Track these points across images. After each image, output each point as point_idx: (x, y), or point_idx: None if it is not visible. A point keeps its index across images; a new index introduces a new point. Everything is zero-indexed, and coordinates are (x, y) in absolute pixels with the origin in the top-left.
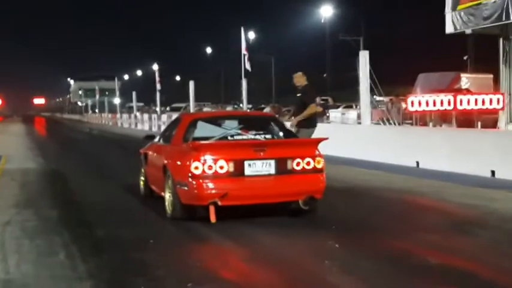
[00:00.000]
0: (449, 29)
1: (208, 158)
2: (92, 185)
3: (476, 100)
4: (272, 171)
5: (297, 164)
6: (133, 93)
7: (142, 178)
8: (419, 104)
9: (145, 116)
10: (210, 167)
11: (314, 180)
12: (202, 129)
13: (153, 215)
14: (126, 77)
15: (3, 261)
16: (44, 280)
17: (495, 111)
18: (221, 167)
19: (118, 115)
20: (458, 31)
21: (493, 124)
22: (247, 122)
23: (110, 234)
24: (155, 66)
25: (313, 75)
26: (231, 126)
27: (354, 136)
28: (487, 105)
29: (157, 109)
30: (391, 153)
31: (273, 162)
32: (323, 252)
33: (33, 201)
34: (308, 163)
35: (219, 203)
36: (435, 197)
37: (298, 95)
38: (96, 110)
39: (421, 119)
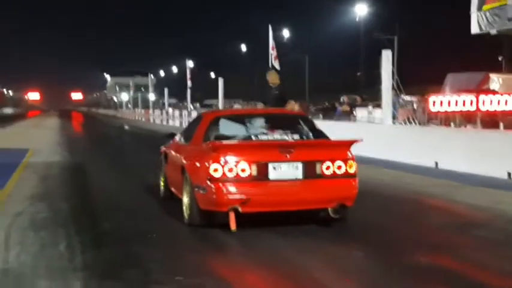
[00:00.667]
0: (474, 29)
1: (229, 159)
2: (112, 181)
3: (499, 101)
4: (299, 175)
5: (327, 168)
6: (166, 90)
7: (162, 179)
8: (441, 104)
9: (177, 112)
10: (230, 170)
11: (345, 186)
12: (225, 128)
13: (167, 215)
14: (161, 73)
15: (6, 251)
16: (40, 270)
17: None
18: (243, 170)
19: (150, 111)
20: (483, 31)
21: None
22: (274, 121)
23: (114, 228)
24: (188, 63)
25: (347, 73)
26: (256, 125)
27: (375, 136)
28: (510, 106)
29: (188, 105)
30: (410, 153)
31: (300, 165)
32: (345, 266)
33: (50, 193)
34: (339, 167)
35: (240, 210)
36: (446, 198)
37: (276, 92)
38: (130, 106)
39: (447, 120)
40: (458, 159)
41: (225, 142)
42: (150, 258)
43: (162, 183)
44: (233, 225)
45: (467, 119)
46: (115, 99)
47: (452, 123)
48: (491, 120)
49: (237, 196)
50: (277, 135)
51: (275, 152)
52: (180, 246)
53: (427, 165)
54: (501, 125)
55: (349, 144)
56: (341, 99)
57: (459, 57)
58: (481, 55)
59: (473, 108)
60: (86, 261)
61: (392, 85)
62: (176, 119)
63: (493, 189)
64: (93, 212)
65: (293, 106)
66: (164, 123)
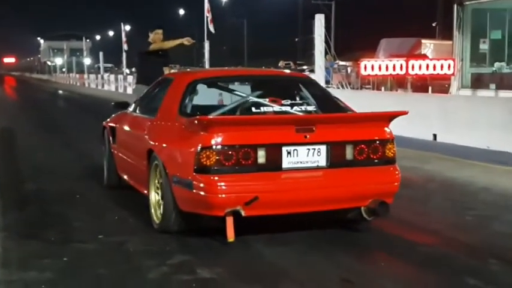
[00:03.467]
0: None
1: (227, 141)
2: (39, 144)
3: (428, 65)
4: (322, 162)
5: (360, 152)
6: (101, 54)
7: (105, 162)
8: (372, 68)
9: (112, 77)
10: (229, 156)
11: (384, 176)
12: (208, 96)
13: (92, 177)
14: (97, 37)
15: None
16: None
17: (447, 77)
18: (246, 157)
19: (85, 76)
20: None
21: (448, 90)
22: (272, 86)
23: (38, 189)
24: (124, 27)
25: (287, 39)
26: (250, 93)
27: None
28: (438, 71)
29: (124, 70)
30: None
31: (323, 148)
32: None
33: None
34: (376, 150)
35: (243, 213)
36: None
37: (160, 53)
38: (64, 70)
39: (381, 84)
40: None
41: (218, 117)
42: (73, 218)
43: (105, 168)
44: (231, 234)
45: (398, 83)
46: (49, 63)
47: (383, 88)
48: (421, 85)
49: (239, 194)
50: (285, 107)
51: (290, 131)
52: (104, 206)
53: None
54: (430, 88)
55: (388, 117)
56: (279, 64)
57: (395, 23)
58: (416, 22)
59: (403, 72)
60: (7, 223)
61: (326, 50)
62: (112, 83)
63: (419, 151)
64: (18, 174)
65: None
66: (99, 87)
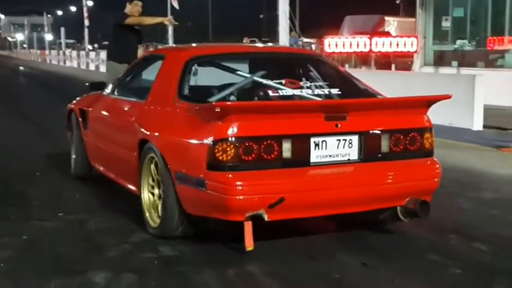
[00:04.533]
0: None
1: (247, 132)
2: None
3: (391, 43)
4: (354, 155)
5: (396, 142)
6: (62, 30)
7: (73, 150)
8: (336, 45)
9: (74, 53)
10: (249, 150)
11: (423, 171)
12: (211, 77)
13: (54, 155)
14: (59, 12)
15: None
16: None
17: (410, 54)
18: (270, 150)
19: (47, 52)
20: None
21: (411, 67)
22: (284, 66)
23: None
24: (85, 2)
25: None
26: (261, 74)
27: None
28: (401, 48)
29: (86, 46)
30: None
31: (355, 139)
32: None
33: None
34: (413, 139)
35: (266, 217)
36: None
37: (137, 28)
38: (25, 46)
39: (345, 61)
40: None
41: (238, 103)
42: (33, 196)
43: (73, 156)
44: (250, 242)
45: (362, 60)
46: (10, 39)
47: (347, 65)
48: (385, 62)
49: (262, 195)
50: (306, 92)
51: (319, 119)
52: (65, 184)
53: None
54: (393, 66)
55: (427, 102)
56: (244, 41)
57: (359, 0)
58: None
59: (366, 49)
60: None
61: (291, 27)
62: (74, 60)
63: None
64: None
65: (141, 51)
66: (61, 64)
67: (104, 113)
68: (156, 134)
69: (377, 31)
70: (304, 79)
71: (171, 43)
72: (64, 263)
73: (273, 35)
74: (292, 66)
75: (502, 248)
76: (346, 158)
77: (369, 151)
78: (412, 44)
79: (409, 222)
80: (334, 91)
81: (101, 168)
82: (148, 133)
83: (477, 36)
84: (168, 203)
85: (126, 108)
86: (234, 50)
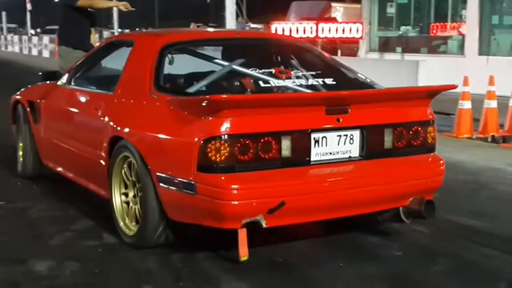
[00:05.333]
0: None
1: (242, 128)
2: None
3: (337, 29)
4: (355, 152)
5: (399, 137)
6: (3, 14)
7: (20, 145)
8: (283, 31)
9: (16, 37)
10: (245, 148)
11: (427, 168)
12: (190, 67)
13: None
14: None
15: None
16: None
17: (356, 40)
18: (268, 148)
19: None
20: None
21: (357, 53)
22: (267, 53)
23: None
24: None
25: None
26: (240, 63)
27: None
28: (347, 34)
29: (28, 31)
30: None
31: (356, 134)
32: None
33: None
34: (416, 134)
35: (264, 224)
36: None
37: (90, 10)
38: None
39: None
40: None
41: (231, 96)
42: None
43: (20, 153)
44: (244, 251)
45: None
46: None
47: None
48: (331, 48)
49: (261, 199)
50: (298, 81)
51: (319, 113)
52: (6, 172)
53: None
54: (339, 52)
55: (432, 93)
56: (191, 26)
57: None
58: None
59: (313, 35)
60: None
61: (238, 12)
62: (16, 45)
63: None
64: None
65: (93, 36)
66: (3, 49)
67: (61, 105)
68: (132, 130)
69: (323, 17)
70: (293, 68)
71: (116, 28)
72: (5, 252)
73: (221, 20)
74: (278, 53)
75: (441, 230)
76: (347, 156)
77: (372, 147)
78: (357, 30)
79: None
80: (329, 81)
81: (59, 168)
82: (121, 130)
83: (421, 22)
84: (148, 209)
85: (89, 101)
86: (213, 35)
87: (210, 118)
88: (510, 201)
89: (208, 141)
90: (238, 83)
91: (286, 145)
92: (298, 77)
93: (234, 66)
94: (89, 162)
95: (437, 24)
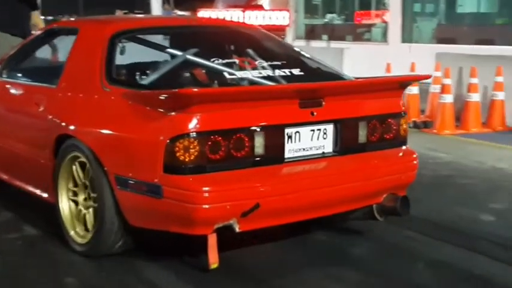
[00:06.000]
0: None
1: (213, 125)
2: None
3: (264, 16)
4: (328, 147)
5: (373, 130)
6: None
7: None
8: (210, 18)
9: None
10: (216, 146)
11: (401, 163)
12: (143, 56)
13: None
14: None
15: None
16: None
17: (283, 28)
18: (240, 146)
19: None
20: None
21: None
22: (226, 42)
23: None
24: None
25: None
26: (198, 52)
27: None
28: (274, 22)
29: None
30: None
31: (330, 128)
32: None
33: None
34: (389, 127)
35: (237, 228)
36: None
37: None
38: None
39: None
40: None
41: (201, 89)
42: None
43: None
44: (214, 257)
45: None
46: None
47: None
48: None
49: (235, 202)
50: (264, 71)
51: (293, 106)
52: None
53: None
54: None
55: (403, 83)
56: (116, 14)
57: None
58: None
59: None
60: None
61: None
62: None
63: None
64: None
65: (38, 20)
66: None
67: None
68: (83, 128)
69: (250, 4)
70: (256, 58)
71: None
72: None
73: (146, 7)
74: (237, 42)
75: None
76: (320, 151)
77: (346, 142)
78: (284, 18)
79: None
80: (296, 71)
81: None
82: (69, 127)
83: (346, 10)
84: (104, 214)
85: (27, 96)
86: (165, 23)
87: (178, 114)
88: (430, 184)
89: (176, 140)
90: (201, 75)
91: (259, 142)
92: (263, 68)
93: (194, 57)
94: (29, 164)
95: (362, 12)
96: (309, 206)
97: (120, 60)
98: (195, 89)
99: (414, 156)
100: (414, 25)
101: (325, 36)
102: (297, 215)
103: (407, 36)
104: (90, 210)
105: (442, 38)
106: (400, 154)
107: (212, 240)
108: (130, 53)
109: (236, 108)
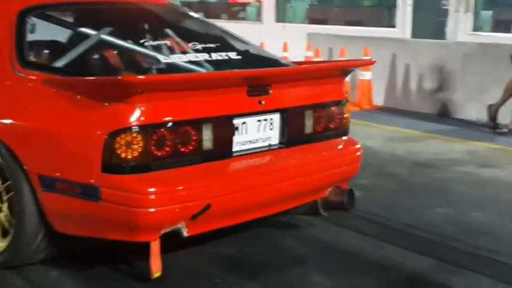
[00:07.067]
0: None
1: (158, 117)
2: None
3: None
4: (274, 139)
5: (318, 120)
6: None
7: None
8: None
9: None
10: (162, 141)
11: (346, 154)
12: (47, 36)
13: None
14: None
15: None
16: None
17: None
18: (187, 140)
19: None
20: None
21: None
22: (154, 22)
23: None
24: None
25: None
26: (116, 31)
27: None
28: None
29: None
30: None
31: (276, 118)
32: None
33: None
34: (332, 116)
35: (185, 232)
36: None
37: None
38: None
39: None
40: None
41: (146, 77)
42: None
43: None
44: (157, 266)
45: None
46: None
47: None
48: None
49: (184, 203)
50: (199, 55)
51: (241, 95)
52: None
53: None
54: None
55: (344, 70)
56: None
57: None
58: None
59: None
60: None
61: None
62: None
63: None
64: None
65: None
66: None
67: None
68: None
69: None
70: (188, 40)
71: None
72: None
73: None
74: (164, 22)
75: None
76: (267, 144)
77: (292, 133)
78: None
79: None
80: (233, 55)
81: None
82: None
83: None
84: (24, 219)
85: None
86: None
87: (118, 104)
88: None
89: (117, 134)
90: (132, 59)
91: (207, 135)
92: (197, 51)
93: (121, 38)
94: None
95: None
96: (259, 204)
97: (31, 39)
98: (141, 76)
99: (358, 146)
100: (288, 5)
101: (200, 14)
102: (246, 215)
103: (281, 16)
104: (4, 214)
105: (314, 19)
106: (344, 145)
107: (155, 247)
108: (43, 32)
109: (183, 98)
